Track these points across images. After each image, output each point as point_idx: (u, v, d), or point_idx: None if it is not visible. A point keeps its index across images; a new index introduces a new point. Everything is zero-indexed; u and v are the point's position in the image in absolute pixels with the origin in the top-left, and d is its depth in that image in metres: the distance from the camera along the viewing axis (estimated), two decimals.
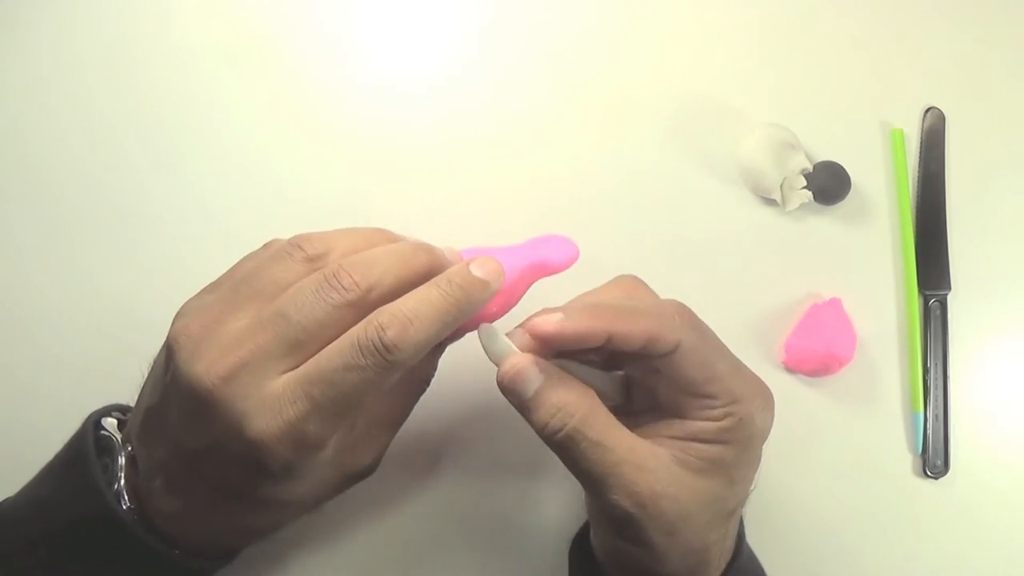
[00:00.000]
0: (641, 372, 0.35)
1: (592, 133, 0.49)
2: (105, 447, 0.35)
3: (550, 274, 0.37)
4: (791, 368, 0.47)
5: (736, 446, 0.34)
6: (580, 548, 0.40)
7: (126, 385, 0.37)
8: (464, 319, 0.32)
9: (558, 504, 0.45)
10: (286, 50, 0.49)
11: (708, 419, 0.33)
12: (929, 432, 0.47)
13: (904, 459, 0.47)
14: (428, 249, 0.34)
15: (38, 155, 0.48)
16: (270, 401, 0.30)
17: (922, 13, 0.51)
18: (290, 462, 0.31)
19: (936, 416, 0.47)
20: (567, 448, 0.32)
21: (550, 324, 0.32)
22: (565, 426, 0.32)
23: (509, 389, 0.33)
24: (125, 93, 0.49)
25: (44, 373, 0.46)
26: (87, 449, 0.35)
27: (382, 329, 0.30)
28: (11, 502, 0.36)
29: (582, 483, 0.34)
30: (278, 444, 0.30)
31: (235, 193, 0.48)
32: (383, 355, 0.30)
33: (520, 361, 0.32)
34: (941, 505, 0.47)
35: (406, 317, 0.30)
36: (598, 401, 0.33)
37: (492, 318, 0.35)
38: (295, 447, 0.30)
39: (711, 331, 0.35)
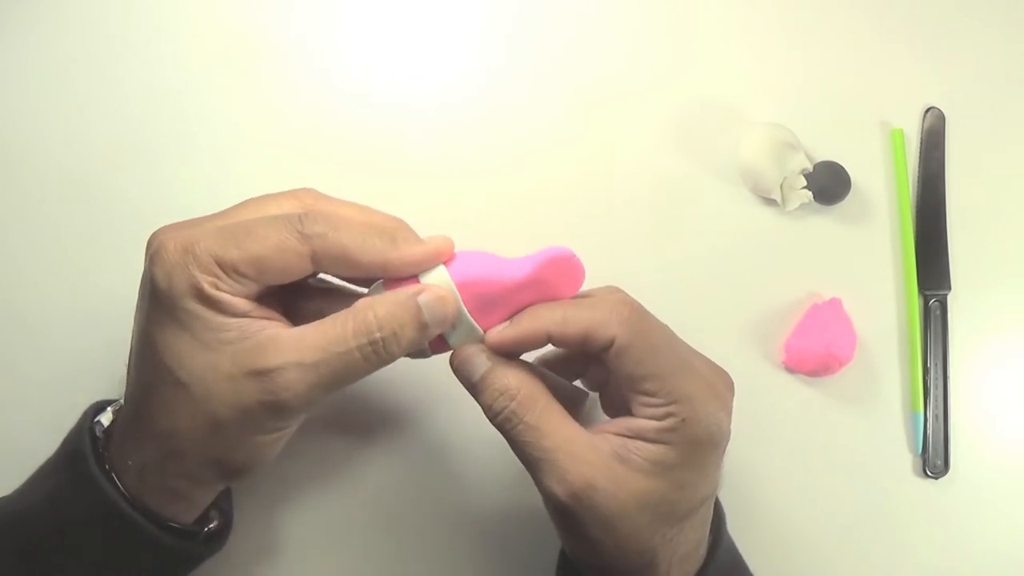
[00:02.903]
0: (598, 371, 0.38)
1: (592, 133, 0.49)
2: (101, 438, 0.36)
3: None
4: (791, 368, 0.47)
5: (680, 449, 0.33)
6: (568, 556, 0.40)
7: (121, 378, 0.37)
8: (390, 261, 0.34)
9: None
10: (284, 51, 0.49)
11: (650, 417, 0.34)
12: (929, 432, 0.47)
13: (904, 459, 0.47)
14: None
15: (32, 155, 0.48)
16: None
17: (922, 13, 0.51)
18: (184, 271, 0.32)
19: (936, 416, 0.47)
20: (507, 430, 0.34)
21: (496, 335, 0.35)
22: (505, 408, 0.34)
23: (458, 372, 0.35)
24: (124, 92, 0.48)
25: (38, 369, 0.46)
26: (83, 443, 0.35)
27: (306, 212, 0.34)
28: (9, 499, 0.36)
29: (527, 469, 0.34)
30: (173, 244, 0.32)
31: (229, 193, 0.48)
32: (300, 222, 0.33)
33: (469, 348, 0.35)
34: (941, 505, 0.47)
35: (335, 222, 0.33)
36: (543, 388, 0.35)
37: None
38: (184, 251, 0.32)
39: (661, 328, 0.35)
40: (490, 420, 0.35)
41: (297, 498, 0.45)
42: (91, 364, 0.45)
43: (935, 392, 0.47)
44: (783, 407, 0.47)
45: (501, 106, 0.49)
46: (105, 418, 0.36)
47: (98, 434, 0.36)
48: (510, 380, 0.34)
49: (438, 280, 0.34)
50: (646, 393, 0.34)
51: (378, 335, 0.33)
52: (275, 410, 0.32)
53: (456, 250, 0.35)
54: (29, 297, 0.46)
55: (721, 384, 0.36)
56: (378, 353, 0.33)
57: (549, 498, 0.34)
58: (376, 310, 0.33)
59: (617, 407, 0.38)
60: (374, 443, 0.46)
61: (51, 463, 0.36)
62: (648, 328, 0.35)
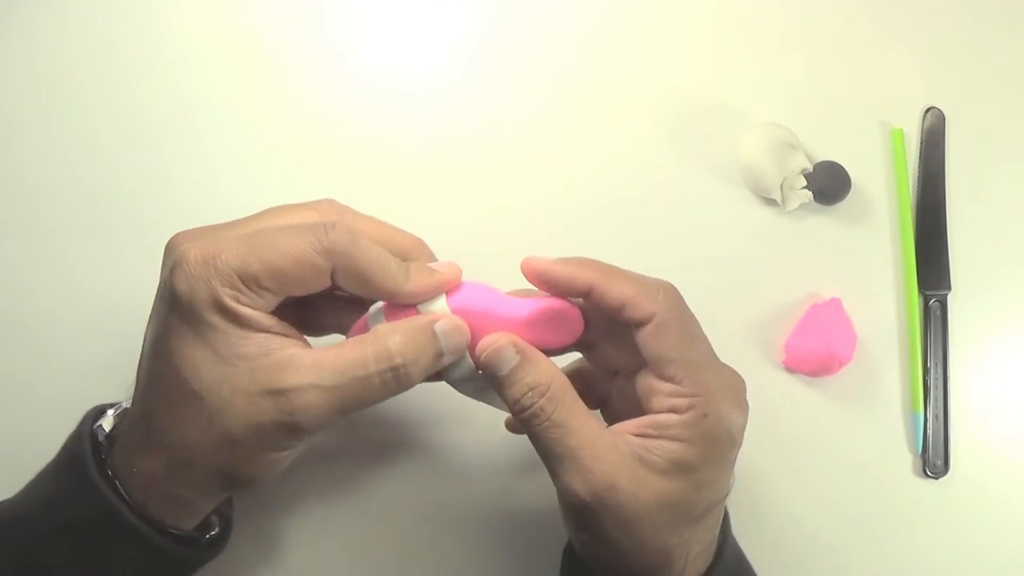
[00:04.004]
0: (619, 355, 0.37)
1: (592, 133, 0.49)
2: (103, 443, 0.36)
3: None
4: (791, 368, 0.47)
5: (701, 446, 0.33)
6: (572, 555, 0.40)
7: (123, 384, 0.37)
8: (400, 291, 0.34)
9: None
10: (281, 51, 0.49)
11: (673, 410, 0.34)
12: (929, 432, 0.47)
13: (904, 459, 0.47)
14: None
15: (31, 157, 0.48)
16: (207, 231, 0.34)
17: (922, 13, 0.51)
18: (203, 281, 0.31)
19: (936, 416, 0.47)
20: (533, 426, 0.34)
21: (541, 262, 0.35)
22: (533, 404, 0.33)
23: (486, 366, 0.34)
24: (122, 94, 0.49)
25: (40, 374, 0.46)
26: (84, 447, 0.35)
27: (331, 222, 0.33)
28: (10, 503, 0.36)
29: (545, 465, 0.34)
30: (194, 254, 0.32)
31: (230, 194, 0.48)
32: (324, 233, 0.32)
33: (499, 340, 0.34)
34: (941, 505, 0.47)
35: (357, 237, 0.33)
36: (569, 386, 0.34)
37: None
38: (206, 263, 0.31)
39: (695, 322, 0.36)
40: (515, 415, 0.34)
41: (298, 499, 0.45)
42: (93, 368, 0.45)
43: (935, 392, 0.47)
44: (783, 407, 0.47)
45: (499, 107, 0.49)
46: (106, 423, 0.36)
47: (100, 439, 0.35)
48: (540, 375, 0.34)
49: (436, 309, 0.34)
50: (672, 380, 0.34)
51: (399, 361, 0.33)
52: (290, 430, 0.32)
53: (463, 279, 0.36)
54: (31, 301, 0.46)
55: (739, 386, 0.36)
56: (398, 380, 0.33)
57: (569, 496, 0.33)
58: (396, 337, 0.33)
59: (621, 413, 0.38)
60: (375, 445, 0.46)
61: (51, 467, 0.36)
62: (686, 315, 0.35)
